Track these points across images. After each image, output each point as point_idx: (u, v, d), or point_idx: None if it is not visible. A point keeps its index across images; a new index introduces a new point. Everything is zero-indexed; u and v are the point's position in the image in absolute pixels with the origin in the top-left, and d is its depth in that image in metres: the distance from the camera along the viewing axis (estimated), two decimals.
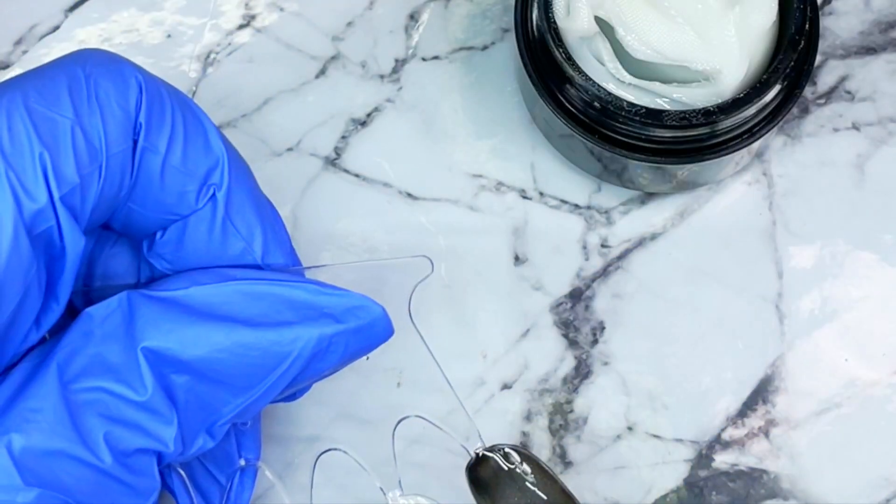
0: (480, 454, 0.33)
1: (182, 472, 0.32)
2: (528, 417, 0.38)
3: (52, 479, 0.26)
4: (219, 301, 0.29)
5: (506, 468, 0.32)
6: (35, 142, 0.26)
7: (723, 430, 0.38)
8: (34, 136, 0.26)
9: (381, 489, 0.32)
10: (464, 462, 0.33)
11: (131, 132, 0.29)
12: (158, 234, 0.31)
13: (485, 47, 0.42)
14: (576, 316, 0.39)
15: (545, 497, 0.32)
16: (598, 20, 0.35)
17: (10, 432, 0.26)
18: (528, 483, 0.32)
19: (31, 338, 0.28)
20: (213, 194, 0.30)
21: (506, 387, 0.38)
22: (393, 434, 0.34)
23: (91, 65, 0.29)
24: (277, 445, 0.38)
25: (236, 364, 0.29)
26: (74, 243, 0.27)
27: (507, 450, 0.33)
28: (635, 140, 0.36)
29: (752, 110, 0.35)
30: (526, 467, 0.33)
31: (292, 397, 0.33)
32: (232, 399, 0.29)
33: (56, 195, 0.27)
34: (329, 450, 0.33)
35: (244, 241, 0.31)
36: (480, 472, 0.33)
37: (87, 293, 0.33)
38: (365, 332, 0.30)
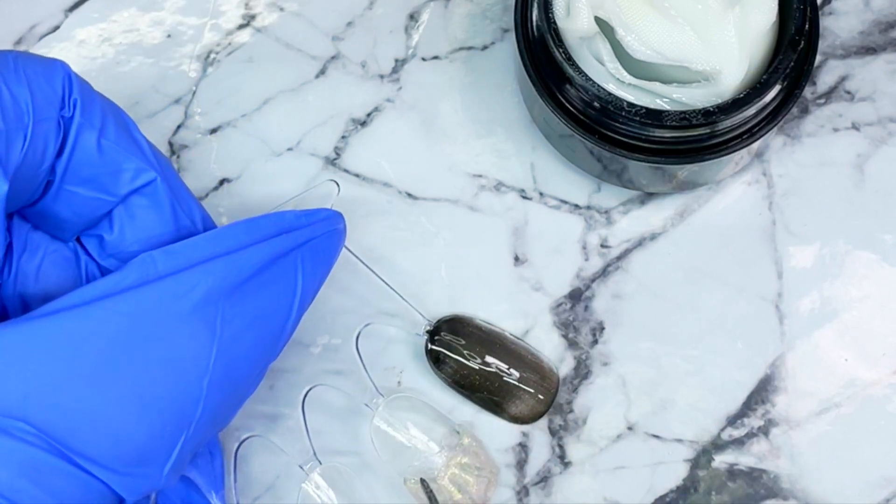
0: (429, 333, 0.38)
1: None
2: None
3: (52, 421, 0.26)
4: (219, 244, 0.30)
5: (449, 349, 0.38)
6: None
7: (722, 429, 0.38)
8: None
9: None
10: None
11: (58, 105, 0.29)
12: (107, 234, 0.32)
13: (485, 47, 0.42)
14: (575, 316, 0.39)
15: (489, 352, 0.38)
16: (597, 20, 0.35)
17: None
18: (468, 350, 0.38)
19: None
20: (153, 180, 0.31)
21: None
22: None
23: (17, 53, 0.30)
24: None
25: (274, 274, 0.31)
26: None
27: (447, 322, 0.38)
28: (635, 140, 0.36)
29: (751, 110, 0.35)
30: (465, 340, 0.38)
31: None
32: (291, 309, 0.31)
33: None
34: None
35: (192, 224, 0.32)
36: (436, 352, 0.38)
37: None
38: (331, 226, 0.33)
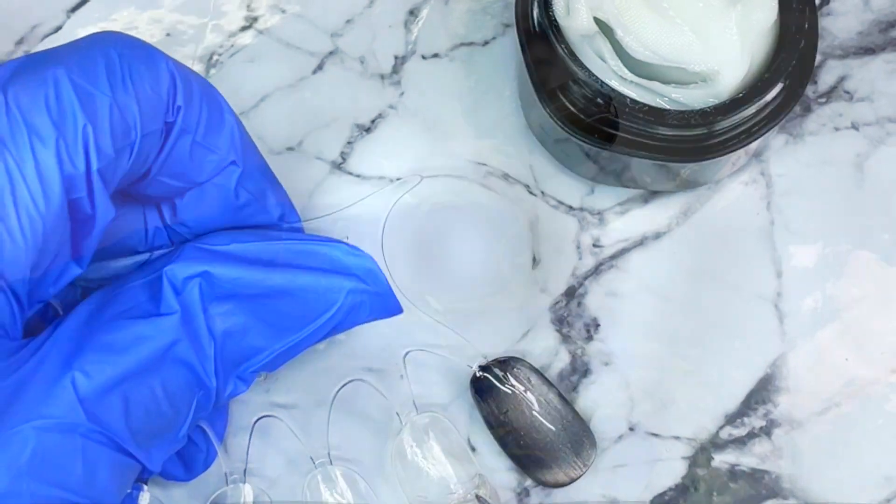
0: (480, 369, 0.37)
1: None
2: None
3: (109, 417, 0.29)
4: (267, 254, 0.33)
5: (498, 383, 0.37)
6: (80, 114, 0.28)
7: (721, 428, 0.38)
8: (79, 109, 0.28)
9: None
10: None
11: (163, 115, 0.30)
12: (178, 202, 0.34)
13: (485, 43, 0.42)
14: (569, 312, 0.39)
15: (535, 403, 0.37)
16: (597, 21, 0.36)
17: (75, 370, 0.28)
18: (515, 393, 0.37)
19: (47, 292, 0.30)
20: (229, 164, 0.33)
21: None
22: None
23: (122, 47, 0.30)
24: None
25: (289, 304, 0.32)
26: (105, 213, 0.29)
27: (500, 363, 0.37)
28: (638, 137, 0.36)
29: (752, 109, 0.35)
30: (515, 383, 0.37)
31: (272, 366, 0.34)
32: (272, 343, 0.33)
33: (94, 166, 0.28)
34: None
35: (257, 203, 0.34)
36: (481, 385, 0.37)
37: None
38: (382, 298, 0.34)
